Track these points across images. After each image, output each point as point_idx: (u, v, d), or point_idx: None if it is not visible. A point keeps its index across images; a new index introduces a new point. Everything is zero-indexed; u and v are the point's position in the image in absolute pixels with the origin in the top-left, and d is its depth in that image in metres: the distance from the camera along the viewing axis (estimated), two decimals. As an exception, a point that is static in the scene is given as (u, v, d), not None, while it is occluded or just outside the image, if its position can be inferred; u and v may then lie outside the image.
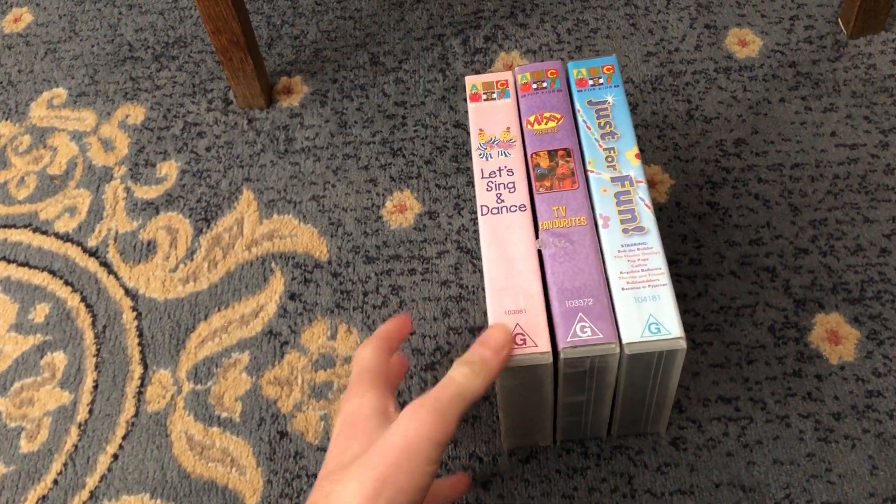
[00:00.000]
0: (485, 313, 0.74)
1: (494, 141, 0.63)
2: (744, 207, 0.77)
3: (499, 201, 0.60)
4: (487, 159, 0.62)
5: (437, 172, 0.83)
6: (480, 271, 0.76)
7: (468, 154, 0.84)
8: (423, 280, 0.77)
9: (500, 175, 0.61)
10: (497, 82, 0.67)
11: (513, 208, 0.59)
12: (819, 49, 0.87)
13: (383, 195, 0.83)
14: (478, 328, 0.73)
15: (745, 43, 0.88)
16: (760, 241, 0.75)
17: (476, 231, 0.79)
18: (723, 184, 0.79)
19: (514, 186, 0.60)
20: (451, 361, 0.71)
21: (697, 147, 0.82)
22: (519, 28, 0.93)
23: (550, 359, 0.54)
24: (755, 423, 0.66)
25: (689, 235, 0.76)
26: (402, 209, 0.81)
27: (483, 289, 0.75)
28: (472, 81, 0.67)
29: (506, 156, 0.62)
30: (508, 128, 0.64)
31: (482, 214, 0.60)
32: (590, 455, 0.66)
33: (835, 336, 0.69)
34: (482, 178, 0.61)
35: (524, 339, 0.53)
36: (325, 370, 0.72)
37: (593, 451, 0.66)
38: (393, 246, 0.79)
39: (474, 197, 0.81)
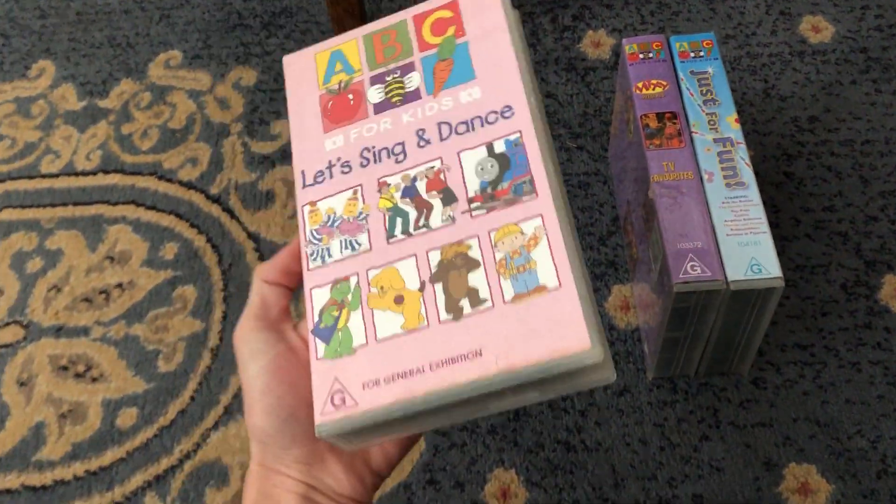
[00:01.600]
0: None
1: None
2: (817, 178, 0.84)
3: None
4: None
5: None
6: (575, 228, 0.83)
7: (560, 122, 0.91)
8: (520, 234, 0.84)
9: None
10: None
11: None
12: (889, 36, 0.93)
13: (480, 157, 0.90)
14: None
15: (818, 29, 0.95)
16: (833, 208, 0.82)
17: (570, 192, 0.86)
18: (798, 156, 0.86)
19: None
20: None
21: (774, 123, 0.88)
22: (604, 9, 1.00)
23: (318, 433, 0.42)
24: (828, 368, 0.73)
25: (767, 201, 0.83)
26: (498, 170, 0.89)
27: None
28: None
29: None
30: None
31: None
32: (678, 391, 0.73)
33: (902, 294, 0.76)
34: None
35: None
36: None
37: (681, 387, 0.74)
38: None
39: (566, 161, 0.88)
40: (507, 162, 0.42)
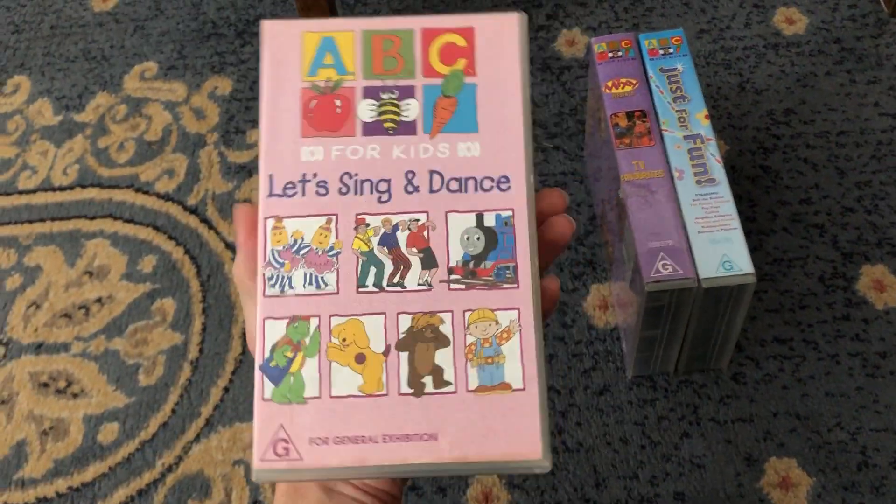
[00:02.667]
0: (557, 265, 0.80)
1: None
2: (793, 171, 0.84)
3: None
4: None
5: (507, 139, 0.90)
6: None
7: (536, 122, 0.91)
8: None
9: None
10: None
11: None
12: (862, 26, 0.93)
13: (457, 160, 0.90)
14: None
15: (792, 21, 0.95)
16: (809, 200, 0.82)
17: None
18: (774, 149, 0.86)
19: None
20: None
21: (749, 116, 0.88)
22: (578, 7, 1.00)
23: (255, 476, 0.40)
24: (808, 361, 0.73)
25: (743, 196, 0.83)
26: (475, 172, 0.88)
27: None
28: None
29: None
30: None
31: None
32: (658, 388, 0.73)
33: (880, 284, 0.76)
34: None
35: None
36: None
37: (661, 385, 0.74)
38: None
39: (542, 162, 0.88)
40: (494, 239, 0.40)
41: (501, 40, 0.42)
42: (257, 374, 0.39)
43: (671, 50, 0.73)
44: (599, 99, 0.73)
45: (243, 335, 0.80)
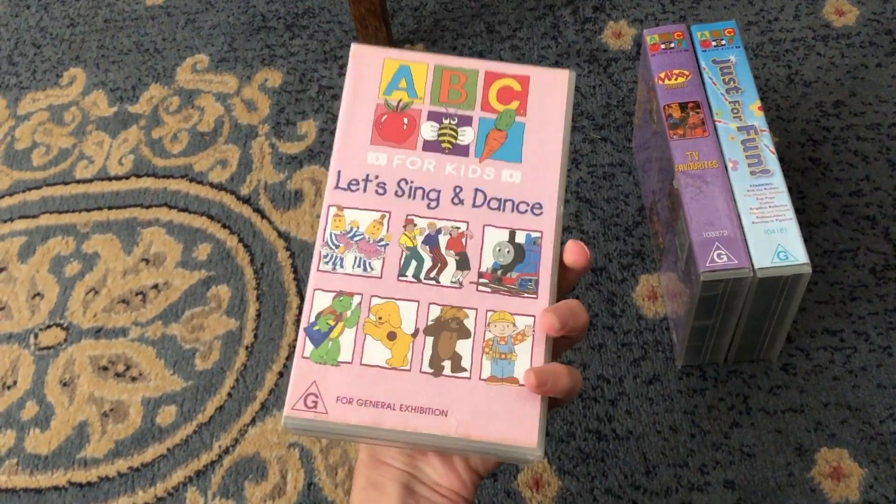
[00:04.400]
0: (606, 255, 0.81)
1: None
2: (844, 163, 0.84)
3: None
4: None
5: (554, 130, 0.91)
6: (600, 219, 0.84)
7: (583, 114, 0.91)
8: (546, 226, 0.85)
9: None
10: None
11: None
12: (913, 18, 0.93)
13: (505, 151, 0.91)
14: (599, 269, 0.81)
15: (841, 13, 0.94)
16: (860, 192, 0.82)
17: (594, 183, 0.86)
18: (823, 141, 0.86)
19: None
20: (576, 297, 0.80)
21: (798, 108, 0.88)
22: (625, -1, 1.00)
23: (284, 423, 0.46)
24: (859, 353, 0.73)
25: (793, 188, 0.83)
26: (523, 163, 0.89)
27: (604, 235, 0.83)
28: None
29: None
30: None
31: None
32: (707, 378, 0.74)
33: (932, 277, 0.76)
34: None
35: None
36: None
37: (711, 374, 0.74)
38: (517, 196, 0.87)
39: (590, 153, 0.89)
40: (522, 254, 0.46)
41: (552, 90, 0.49)
42: (301, 334, 0.45)
43: (723, 41, 0.73)
44: (652, 90, 0.73)
45: (296, 321, 0.82)
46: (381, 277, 0.46)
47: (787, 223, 0.63)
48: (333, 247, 0.46)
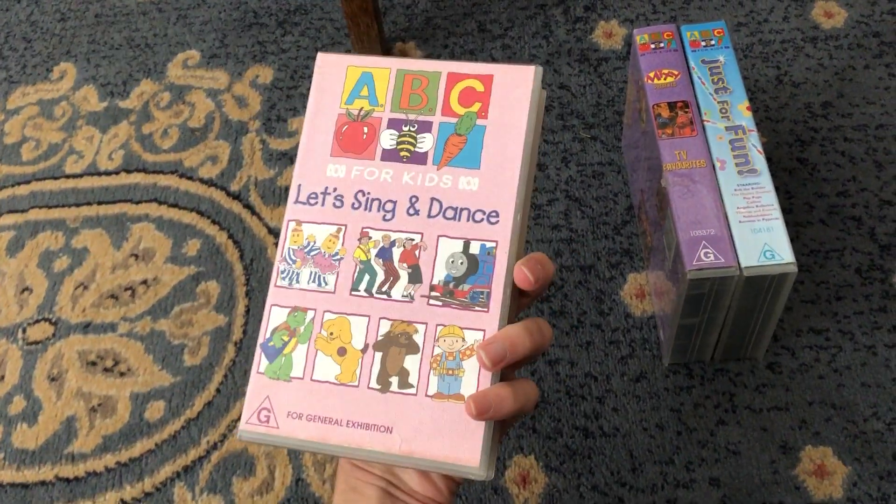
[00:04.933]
0: (594, 254, 0.82)
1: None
2: (831, 163, 0.85)
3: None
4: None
5: (544, 129, 0.91)
6: (589, 218, 0.84)
7: (573, 113, 0.92)
8: (535, 224, 0.85)
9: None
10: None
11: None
12: (901, 20, 0.93)
13: (495, 149, 0.91)
14: (588, 267, 0.82)
15: (830, 14, 0.95)
16: (847, 193, 0.82)
17: (583, 181, 0.87)
18: (811, 142, 0.86)
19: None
20: (565, 296, 0.80)
21: (787, 109, 0.89)
22: (616, -1, 1.01)
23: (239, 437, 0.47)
24: (844, 352, 0.74)
25: (780, 188, 0.83)
26: (513, 162, 0.90)
27: (592, 233, 0.84)
28: None
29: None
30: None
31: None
32: (694, 376, 0.74)
33: (917, 277, 0.77)
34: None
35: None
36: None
37: (697, 372, 0.75)
38: (507, 194, 0.87)
39: (580, 152, 0.89)
40: (475, 265, 0.45)
41: (516, 89, 0.46)
42: (257, 350, 0.46)
43: (713, 42, 0.74)
44: (641, 89, 0.74)
45: (286, 318, 0.82)
46: (334, 292, 0.46)
47: (773, 222, 0.64)
48: (291, 262, 0.47)
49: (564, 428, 0.73)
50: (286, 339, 0.46)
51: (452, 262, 0.45)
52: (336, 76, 0.49)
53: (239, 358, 0.81)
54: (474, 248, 0.45)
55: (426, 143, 0.47)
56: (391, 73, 0.48)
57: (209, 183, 0.93)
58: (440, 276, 0.45)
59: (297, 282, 0.46)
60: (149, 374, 0.81)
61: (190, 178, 0.93)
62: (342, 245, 0.46)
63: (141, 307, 0.85)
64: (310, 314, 0.46)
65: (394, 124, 0.48)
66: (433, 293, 0.45)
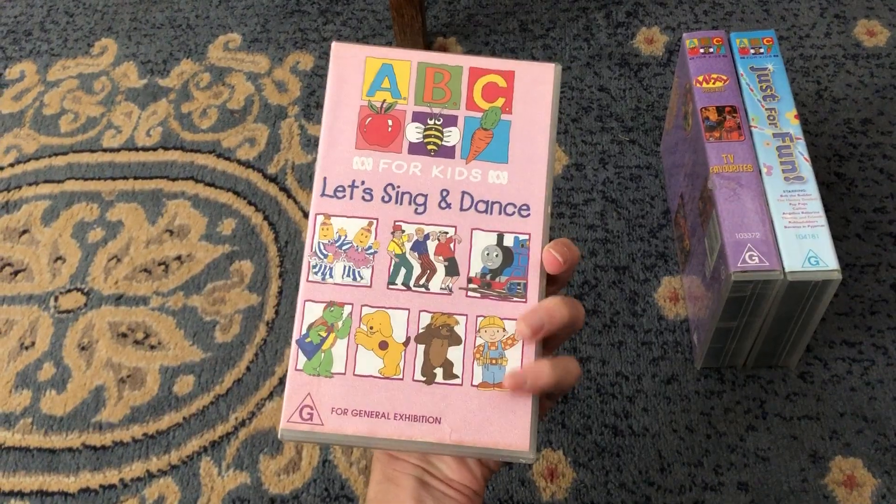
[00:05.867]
0: (629, 255, 0.82)
1: None
2: (869, 180, 0.85)
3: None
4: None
5: (583, 130, 0.92)
6: (625, 219, 0.85)
7: (612, 115, 0.92)
8: (571, 223, 0.85)
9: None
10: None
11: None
12: (943, 43, 0.94)
13: (533, 147, 0.91)
14: (623, 268, 0.82)
15: (873, 33, 0.95)
16: (884, 209, 0.83)
17: (621, 183, 0.87)
18: (849, 157, 0.86)
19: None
20: (598, 295, 0.80)
21: (826, 124, 0.89)
22: (658, 6, 1.01)
23: (280, 436, 0.46)
24: (877, 365, 0.74)
25: (817, 200, 0.84)
26: (550, 160, 0.90)
27: (628, 235, 0.84)
28: None
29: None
30: None
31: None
32: (725, 381, 0.75)
33: (952, 296, 0.77)
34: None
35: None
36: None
37: (729, 378, 0.75)
38: (543, 192, 0.88)
39: (618, 154, 0.90)
40: (510, 258, 0.46)
41: (538, 86, 0.48)
42: (293, 347, 0.45)
43: (762, 49, 0.74)
44: (689, 93, 0.74)
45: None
46: (370, 286, 0.45)
47: (818, 229, 0.64)
48: (322, 256, 0.46)
49: (594, 425, 0.74)
50: (324, 334, 0.45)
51: (487, 254, 0.46)
52: (355, 67, 0.48)
53: (270, 338, 0.81)
54: (508, 241, 0.46)
55: (453, 136, 0.48)
56: (412, 65, 0.48)
57: (246, 164, 0.93)
58: (476, 268, 0.46)
59: (331, 276, 0.46)
60: (179, 348, 0.81)
61: (227, 159, 0.94)
62: (375, 238, 0.46)
63: (174, 282, 0.85)
64: (347, 309, 0.45)
65: (418, 117, 0.48)
66: (471, 285, 0.45)
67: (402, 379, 0.44)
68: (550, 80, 0.48)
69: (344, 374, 0.45)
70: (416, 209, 0.47)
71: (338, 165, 0.47)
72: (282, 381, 0.78)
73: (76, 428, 0.77)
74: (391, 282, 0.45)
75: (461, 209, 0.46)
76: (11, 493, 0.75)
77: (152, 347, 0.81)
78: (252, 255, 0.86)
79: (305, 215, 0.89)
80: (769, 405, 0.73)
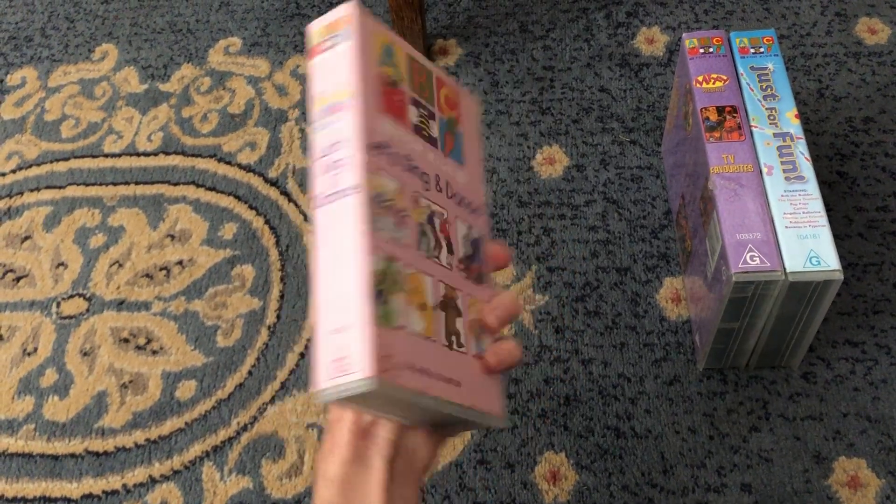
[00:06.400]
0: (631, 256, 0.82)
1: (330, 106, 0.45)
2: (871, 178, 0.84)
3: (332, 187, 0.44)
4: (322, 131, 0.45)
5: (583, 131, 0.92)
6: (627, 220, 0.85)
7: (613, 116, 0.92)
8: (572, 224, 0.85)
9: (334, 151, 0.44)
10: (340, 21, 0.45)
11: (347, 192, 0.43)
12: (945, 40, 0.93)
13: (533, 148, 0.91)
14: (624, 269, 0.82)
15: (874, 31, 0.95)
16: (887, 208, 0.82)
17: (622, 184, 0.87)
18: (851, 156, 0.86)
19: (345, 163, 0.44)
20: (600, 296, 0.80)
21: (827, 122, 0.89)
22: (658, 6, 1.01)
23: (371, 385, 0.40)
24: (880, 365, 0.74)
25: (819, 199, 0.83)
26: (551, 161, 0.90)
27: (629, 236, 0.84)
28: (314, 28, 0.46)
29: (339, 122, 0.44)
30: (346, 82, 0.44)
31: (317, 207, 0.44)
32: (728, 382, 0.74)
33: (956, 295, 0.77)
34: (316, 159, 0.45)
35: (346, 365, 0.41)
36: (486, 296, 0.81)
37: (731, 378, 0.74)
38: (543, 193, 0.88)
39: (619, 155, 0.89)
40: (476, 249, 0.50)
41: (471, 110, 0.52)
42: (360, 293, 0.41)
43: (762, 49, 0.74)
44: (689, 93, 0.74)
45: (320, 305, 0.82)
46: (409, 247, 0.44)
47: (819, 229, 0.64)
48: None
49: (596, 427, 0.73)
50: (383, 286, 0.42)
51: (464, 242, 0.49)
52: (369, 34, 0.46)
53: (272, 342, 0.81)
54: (472, 234, 0.49)
55: (434, 130, 0.49)
56: (403, 52, 0.47)
57: (247, 168, 0.93)
58: (460, 253, 0.48)
59: (381, 229, 0.43)
60: (181, 353, 0.81)
61: (228, 163, 0.94)
62: (406, 202, 0.45)
63: (175, 287, 0.85)
64: (398, 264, 0.43)
65: (415, 103, 0.48)
66: (461, 265, 0.48)
67: (436, 342, 0.45)
68: (477, 114, 0.52)
69: (405, 328, 0.43)
70: (425, 186, 0.47)
71: (372, 122, 0.45)
72: (283, 386, 0.78)
73: (79, 434, 0.77)
74: (418, 248, 0.45)
75: (447, 196, 0.48)
76: (15, 500, 0.75)
77: (154, 352, 0.81)
78: (253, 259, 0.86)
79: (307, 219, 0.89)
80: (772, 406, 0.73)
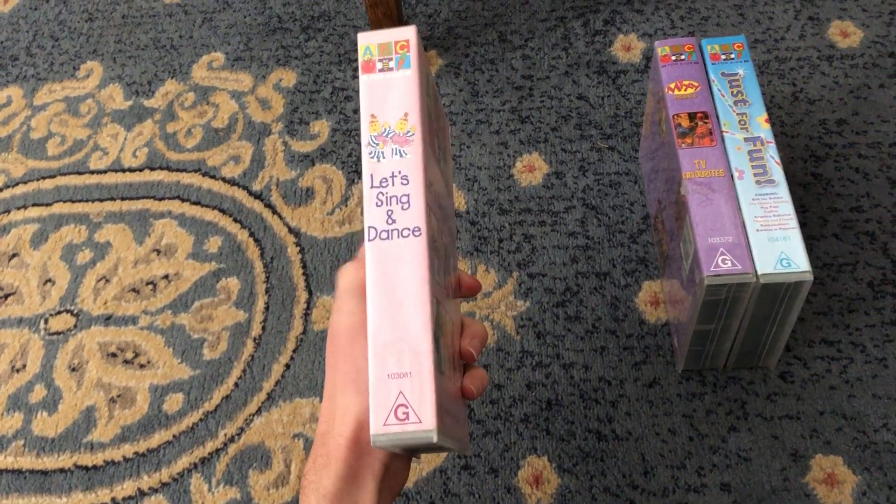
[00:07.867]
0: (610, 261, 0.83)
1: (389, 133, 0.45)
2: (845, 179, 0.86)
3: (389, 222, 0.44)
4: (379, 160, 0.45)
5: (562, 138, 0.93)
6: (605, 226, 0.86)
7: (591, 123, 0.93)
8: (552, 230, 0.86)
9: (393, 184, 0.44)
10: (397, 44, 0.46)
11: (405, 232, 0.43)
12: (916, 41, 0.95)
13: (513, 156, 0.92)
14: (604, 274, 0.83)
15: (846, 34, 0.97)
16: (860, 208, 0.84)
17: (600, 190, 0.88)
18: (825, 158, 0.87)
19: (408, 201, 0.44)
20: (580, 301, 0.81)
21: (802, 125, 0.90)
22: (635, 14, 1.02)
23: (433, 437, 0.41)
24: (855, 363, 0.75)
25: (794, 202, 0.85)
26: (531, 169, 0.91)
27: (608, 241, 0.85)
28: (364, 42, 0.47)
29: (401, 156, 0.45)
30: (406, 114, 0.45)
31: (369, 239, 0.44)
32: (706, 383, 0.75)
33: (929, 292, 0.78)
34: (371, 186, 0.45)
35: (406, 413, 0.41)
36: (467, 302, 0.82)
37: (710, 380, 0.76)
38: (524, 200, 0.89)
39: (597, 161, 0.91)
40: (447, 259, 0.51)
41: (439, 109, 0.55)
42: (426, 342, 0.41)
43: (732, 55, 0.75)
44: (661, 100, 0.75)
45: (304, 315, 0.83)
46: (440, 284, 0.45)
47: (790, 232, 0.65)
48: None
49: (578, 430, 0.74)
50: (437, 333, 0.42)
51: (446, 257, 0.51)
52: (423, 64, 0.48)
53: (258, 353, 0.82)
54: (445, 241, 0.52)
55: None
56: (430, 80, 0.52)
57: (231, 182, 0.94)
58: (450, 272, 0.51)
59: (435, 273, 0.45)
60: (168, 366, 0.82)
61: (213, 177, 0.95)
62: (443, 239, 0.50)
63: (162, 301, 0.86)
64: (441, 307, 0.44)
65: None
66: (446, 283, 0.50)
67: (442, 373, 0.43)
68: (441, 107, 0.57)
69: (444, 373, 0.42)
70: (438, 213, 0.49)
71: (427, 160, 0.47)
72: (269, 397, 0.79)
73: (68, 448, 0.78)
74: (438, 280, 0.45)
75: (437, 207, 0.50)
76: (5, 515, 0.76)
77: (142, 366, 0.82)
78: (238, 272, 0.87)
79: (290, 231, 0.90)
80: (750, 406, 0.74)
